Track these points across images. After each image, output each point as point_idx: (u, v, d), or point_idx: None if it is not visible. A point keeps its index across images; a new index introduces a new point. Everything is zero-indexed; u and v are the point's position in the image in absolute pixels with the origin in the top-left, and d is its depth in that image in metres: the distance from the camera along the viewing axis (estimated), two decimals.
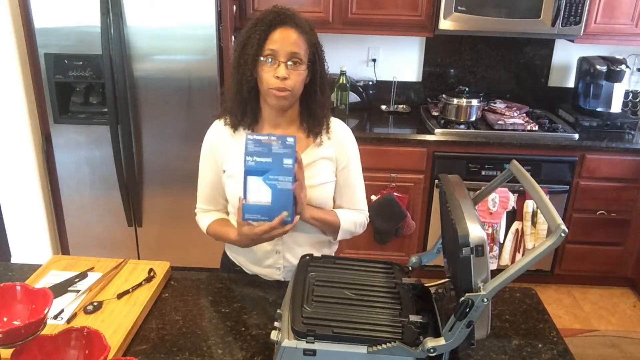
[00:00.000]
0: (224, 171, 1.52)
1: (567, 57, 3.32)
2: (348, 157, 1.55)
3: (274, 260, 1.56)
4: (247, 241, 1.41)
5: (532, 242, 2.92)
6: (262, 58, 1.38)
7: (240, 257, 1.62)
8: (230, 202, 1.56)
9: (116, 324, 1.29)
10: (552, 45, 3.29)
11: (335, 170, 1.54)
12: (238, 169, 1.49)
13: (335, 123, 1.56)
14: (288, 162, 1.30)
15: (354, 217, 1.58)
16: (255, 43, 1.38)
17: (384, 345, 1.05)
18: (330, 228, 1.55)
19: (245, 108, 1.48)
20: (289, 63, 1.37)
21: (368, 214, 1.65)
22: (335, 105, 3.17)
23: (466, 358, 1.25)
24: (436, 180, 2.93)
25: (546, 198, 1.05)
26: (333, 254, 1.64)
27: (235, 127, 1.50)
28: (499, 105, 3.21)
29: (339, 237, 1.57)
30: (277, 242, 1.52)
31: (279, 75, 1.36)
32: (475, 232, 1.00)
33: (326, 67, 1.49)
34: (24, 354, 1.05)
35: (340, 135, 1.54)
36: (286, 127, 1.51)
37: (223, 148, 1.52)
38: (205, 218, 1.60)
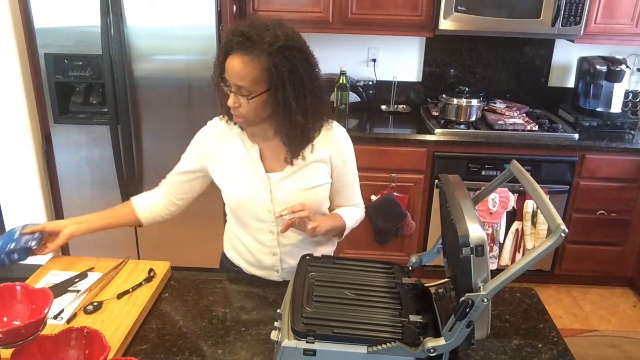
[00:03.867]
0: (218, 175, 1.52)
1: (567, 57, 3.31)
2: (344, 160, 1.52)
3: (272, 263, 1.56)
4: None
5: (532, 242, 2.92)
6: (223, 85, 1.37)
7: (239, 258, 1.63)
8: (227, 204, 1.56)
9: (116, 324, 1.29)
10: (552, 45, 3.29)
11: (331, 172, 1.53)
12: (232, 171, 1.49)
13: (330, 126, 1.51)
14: None
15: (355, 214, 1.60)
16: (217, 68, 1.38)
17: (384, 345, 1.05)
18: (337, 232, 1.57)
19: (230, 116, 1.46)
20: (237, 93, 1.34)
21: (363, 205, 1.66)
22: (335, 105, 3.17)
23: (466, 358, 1.25)
24: (436, 180, 2.93)
25: (546, 198, 1.05)
26: (332, 254, 1.65)
27: (228, 121, 1.50)
28: (499, 105, 3.21)
29: (344, 236, 1.60)
30: (274, 245, 1.53)
31: (229, 104, 1.36)
32: (475, 232, 1.00)
33: (314, 80, 1.37)
34: (24, 354, 1.06)
35: (335, 138, 1.50)
36: (273, 137, 1.47)
37: (215, 150, 1.51)
38: (154, 191, 1.62)
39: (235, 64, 1.30)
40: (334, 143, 1.50)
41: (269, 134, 1.47)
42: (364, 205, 1.66)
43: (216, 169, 1.52)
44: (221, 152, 1.51)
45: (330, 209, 1.61)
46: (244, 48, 1.29)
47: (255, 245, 1.55)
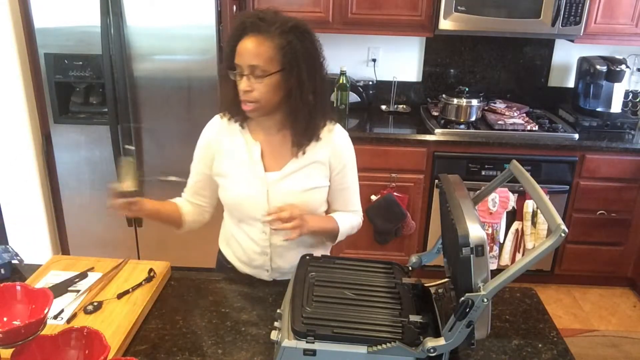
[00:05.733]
0: (217, 171, 1.52)
1: (567, 57, 3.31)
2: (344, 162, 1.52)
3: (263, 262, 1.56)
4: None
5: (532, 242, 2.92)
6: (232, 72, 1.37)
7: (232, 255, 1.63)
8: (224, 204, 1.56)
9: (116, 324, 1.29)
10: (552, 45, 3.29)
11: (330, 175, 1.52)
12: (231, 169, 1.50)
13: (332, 127, 1.51)
14: None
15: (350, 220, 1.58)
16: (227, 57, 1.38)
17: (384, 345, 1.05)
18: (329, 235, 1.55)
19: (233, 110, 1.48)
20: (252, 75, 1.34)
21: (362, 213, 1.65)
22: (335, 105, 3.17)
23: (466, 358, 1.25)
24: (436, 180, 2.93)
25: (546, 198, 1.05)
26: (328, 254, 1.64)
27: (230, 118, 1.51)
28: (499, 105, 3.21)
29: (337, 240, 1.58)
30: (265, 244, 1.53)
31: (241, 89, 1.36)
32: (475, 232, 1.00)
33: (316, 64, 1.40)
34: (24, 354, 1.05)
35: (336, 139, 1.50)
36: (277, 130, 1.47)
37: (218, 146, 1.52)
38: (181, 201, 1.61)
39: (250, 44, 1.33)
40: (334, 145, 1.49)
41: (273, 128, 1.47)
42: (362, 213, 1.64)
43: (217, 163, 1.52)
44: (223, 147, 1.51)
45: (327, 214, 1.60)
46: (257, 28, 1.32)
47: (248, 242, 1.55)
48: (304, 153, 1.46)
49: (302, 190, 1.47)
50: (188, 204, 1.60)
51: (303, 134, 1.44)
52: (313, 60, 1.38)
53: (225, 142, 1.51)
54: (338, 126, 1.53)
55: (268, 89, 1.35)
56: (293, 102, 1.39)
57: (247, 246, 1.56)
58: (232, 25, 1.40)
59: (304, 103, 1.38)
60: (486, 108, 3.17)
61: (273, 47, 1.32)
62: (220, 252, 1.69)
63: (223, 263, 1.67)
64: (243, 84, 1.35)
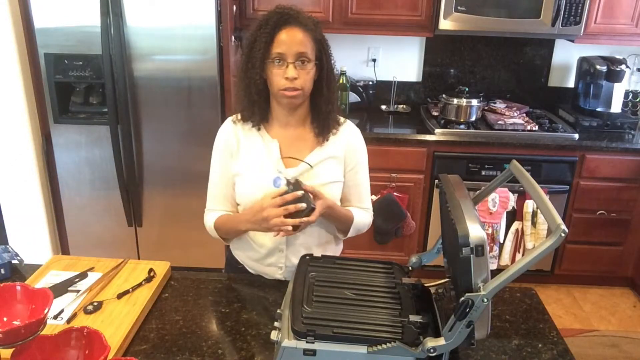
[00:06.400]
0: (236, 170, 1.52)
1: (567, 57, 3.31)
2: (357, 159, 1.56)
3: (277, 259, 1.56)
4: (254, 218, 1.40)
5: (532, 242, 2.92)
6: (270, 61, 1.40)
7: (243, 255, 1.63)
8: (241, 203, 1.55)
9: (116, 324, 1.29)
10: (552, 45, 3.29)
11: (344, 170, 1.55)
12: (247, 168, 1.50)
13: (346, 124, 1.58)
14: None
15: (362, 215, 1.60)
16: (262, 46, 1.39)
17: (384, 345, 1.05)
18: (343, 221, 1.56)
19: (253, 109, 1.50)
20: (297, 62, 1.39)
21: (372, 212, 1.66)
22: None
23: (466, 358, 1.25)
24: (436, 180, 2.93)
25: (546, 198, 1.05)
26: (339, 255, 1.65)
27: (245, 120, 1.53)
28: (499, 105, 3.21)
29: (350, 233, 1.59)
30: (281, 240, 1.53)
31: (288, 76, 1.39)
32: (475, 232, 1.00)
33: (332, 61, 1.51)
34: (24, 354, 1.05)
35: (349, 136, 1.56)
36: (296, 126, 1.52)
37: (236, 145, 1.53)
38: (211, 216, 1.58)
39: (297, 33, 1.39)
40: (348, 142, 1.55)
41: (293, 124, 1.51)
42: (372, 212, 1.65)
43: (235, 162, 1.53)
44: (241, 146, 1.53)
45: None
46: (298, 20, 1.40)
47: (263, 239, 1.55)
48: (327, 140, 1.51)
49: (321, 184, 1.49)
50: (224, 213, 1.58)
51: (326, 123, 1.51)
52: (330, 58, 1.49)
53: (242, 141, 1.53)
54: (350, 123, 1.59)
55: (310, 77, 1.43)
56: (320, 94, 1.47)
57: (262, 243, 1.55)
58: (263, 19, 1.42)
59: (323, 95, 1.48)
60: (486, 108, 3.17)
61: (312, 39, 1.42)
62: (230, 252, 1.69)
63: (233, 264, 1.67)
64: (291, 71, 1.39)
